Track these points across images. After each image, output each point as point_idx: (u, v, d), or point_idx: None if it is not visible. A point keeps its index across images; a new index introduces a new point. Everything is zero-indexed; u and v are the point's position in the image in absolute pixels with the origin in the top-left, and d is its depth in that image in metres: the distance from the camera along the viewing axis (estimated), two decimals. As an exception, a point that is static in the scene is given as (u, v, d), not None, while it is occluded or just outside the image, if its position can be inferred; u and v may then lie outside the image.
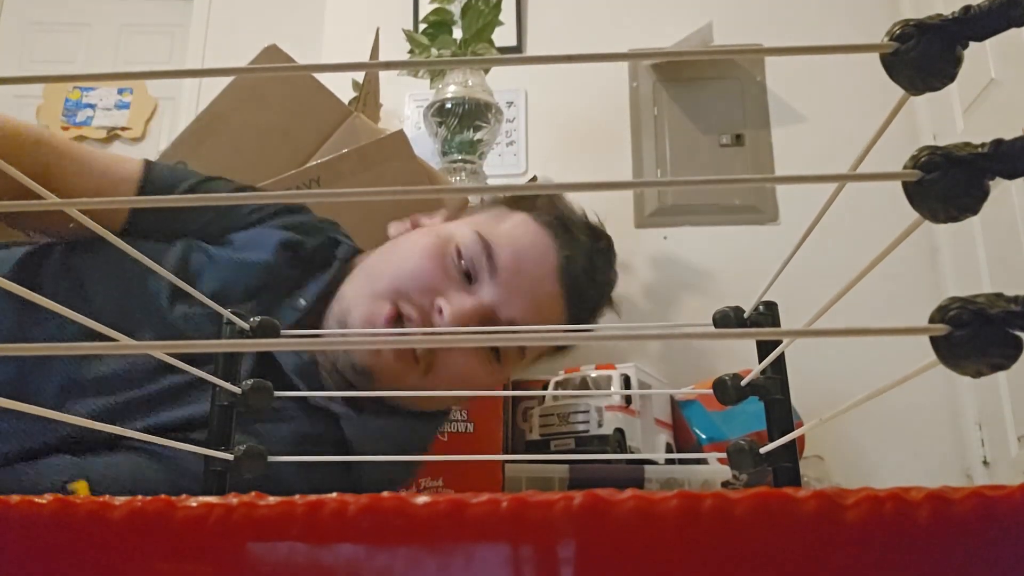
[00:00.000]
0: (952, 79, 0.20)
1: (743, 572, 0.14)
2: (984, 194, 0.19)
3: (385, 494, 0.16)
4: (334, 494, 0.16)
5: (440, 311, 0.60)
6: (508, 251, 0.63)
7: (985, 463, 1.58)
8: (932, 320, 0.18)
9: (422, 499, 0.15)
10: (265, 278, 0.66)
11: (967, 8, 0.19)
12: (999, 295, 0.18)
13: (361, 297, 0.64)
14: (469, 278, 0.63)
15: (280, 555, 0.16)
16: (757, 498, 0.15)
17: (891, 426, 1.60)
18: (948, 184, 0.19)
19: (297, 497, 0.16)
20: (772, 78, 1.87)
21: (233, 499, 0.16)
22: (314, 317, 0.66)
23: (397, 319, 0.61)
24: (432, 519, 0.15)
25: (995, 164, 0.19)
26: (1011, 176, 0.19)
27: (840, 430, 1.62)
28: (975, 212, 0.19)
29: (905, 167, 0.20)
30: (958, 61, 0.20)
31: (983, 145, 0.19)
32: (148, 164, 0.70)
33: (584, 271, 0.66)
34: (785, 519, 0.15)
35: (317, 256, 0.70)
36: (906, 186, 0.19)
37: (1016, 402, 1.46)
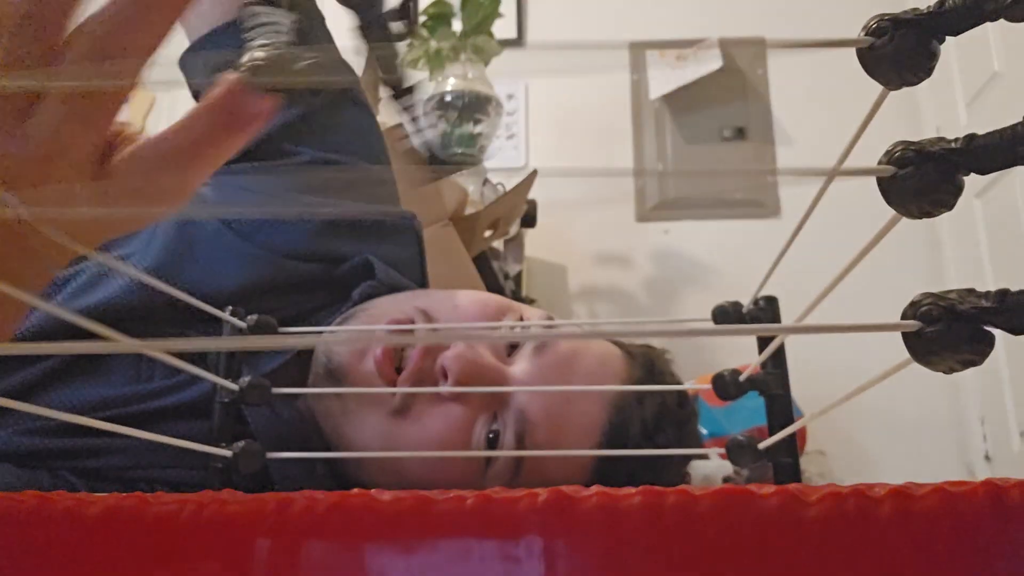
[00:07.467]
0: (929, 74, 0.20)
1: (706, 567, 0.15)
2: (958, 189, 0.19)
3: (354, 491, 0.16)
4: (303, 491, 0.16)
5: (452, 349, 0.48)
6: (570, 344, 0.52)
7: (987, 458, 1.58)
8: (904, 316, 0.18)
9: (388, 496, 0.15)
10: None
11: (942, 2, 0.19)
12: (971, 291, 0.18)
13: (385, 303, 0.54)
14: (513, 348, 0.52)
15: (251, 552, 0.16)
16: (720, 494, 0.15)
17: (893, 421, 1.60)
18: (921, 180, 0.19)
19: (267, 495, 0.16)
20: (774, 72, 1.86)
21: (205, 496, 0.16)
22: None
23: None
24: (399, 516, 0.15)
25: (968, 159, 0.18)
26: (983, 172, 0.19)
27: (842, 425, 1.62)
28: (949, 208, 0.19)
29: (880, 163, 0.19)
30: (933, 56, 0.19)
31: (956, 140, 0.19)
32: None
33: (643, 418, 0.53)
34: (747, 515, 0.15)
35: (349, 280, 0.58)
36: (880, 182, 0.19)
37: (1018, 397, 1.46)
